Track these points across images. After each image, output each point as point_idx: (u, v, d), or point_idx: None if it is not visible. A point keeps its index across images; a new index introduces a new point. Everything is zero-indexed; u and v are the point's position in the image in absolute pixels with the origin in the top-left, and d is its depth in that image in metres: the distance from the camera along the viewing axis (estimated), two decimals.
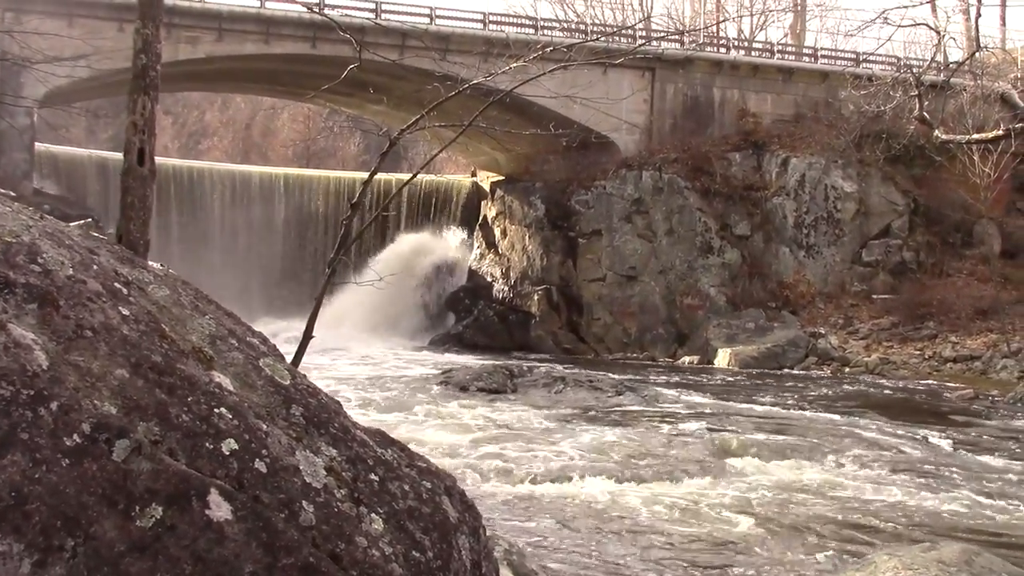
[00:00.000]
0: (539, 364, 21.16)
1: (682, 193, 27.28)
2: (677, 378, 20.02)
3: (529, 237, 28.51)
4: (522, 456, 9.79)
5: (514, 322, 27.84)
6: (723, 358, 23.84)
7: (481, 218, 30.55)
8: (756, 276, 27.11)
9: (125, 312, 2.62)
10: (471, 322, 28.28)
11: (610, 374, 19.37)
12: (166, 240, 26.67)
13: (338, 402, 3.09)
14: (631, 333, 26.65)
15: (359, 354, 23.23)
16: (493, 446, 10.29)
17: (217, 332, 2.94)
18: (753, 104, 29.64)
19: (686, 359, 24.88)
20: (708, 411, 14.30)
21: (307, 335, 6.09)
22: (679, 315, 26.54)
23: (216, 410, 2.45)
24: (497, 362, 18.99)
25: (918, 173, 27.96)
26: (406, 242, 30.10)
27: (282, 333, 21.49)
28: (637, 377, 19.34)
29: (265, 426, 2.57)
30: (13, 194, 18.57)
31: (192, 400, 2.45)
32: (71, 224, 3.80)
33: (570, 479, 8.62)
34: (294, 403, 2.80)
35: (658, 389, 16.99)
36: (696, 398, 16.11)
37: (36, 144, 25.87)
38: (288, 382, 2.90)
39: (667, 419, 13.19)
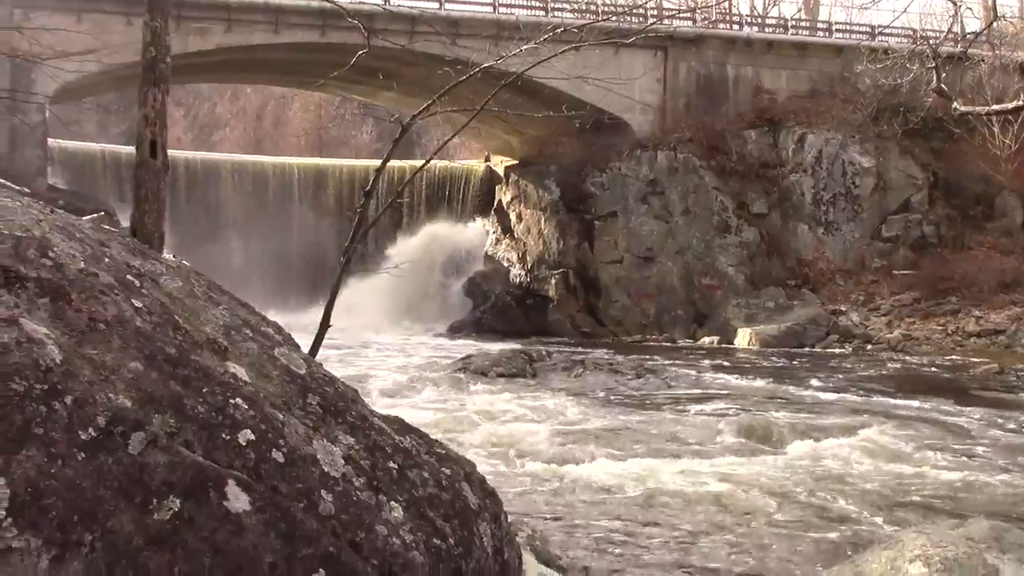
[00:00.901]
0: (558, 348, 21.18)
1: (698, 172, 27.23)
2: (697, 359, 19.93)
3: (545, 221, 28.57)
4: (543, 441, 9.79)
5: (532, 307, 27.93)
6: (743, 338, 23.76)
7: (496, 203, 30.62)
8: (774, 254, 26.99)
9: (138, 304, 2.62)
10: (488, 308, 28.37)
11: (630, 356, 19.38)
12: (179, 232, 26.74)
13: (355, 390, 3.11)
14: (649, 315, 26.70)
15: (376, 342, 23.22)
16: (514, 431, 10.28)
17: (231, 322, 2.94)
18: (768, 81, 29.46)
19: (706, 340, 24.79)
20: (730, 392, 14.26)
21: (324, 325, 6.09)
22: (697, 295, 26.55)
23: (232, 401, 2.46)
24: (516, 347, 19.01)
25: (937, 146, 27.76)
26: (421, 229, 30.23)
27: (298, 324, 21.34)
28: (657, 359, 19.29)
29: (282, 416, 2.57)
30: (27, 190, 18.65)
31: (207, 391, 2.45)
32: (84, 218, 3.80)
33: (593, 463, 8.61)
34: (310, 392, 2.80)
35: (679, 370, 16.95)
36: (718, 379, 16.05)
37: (48, 140, 25.97)
38: (304, 371, 2.91)
39: (689, 400, 13.16)
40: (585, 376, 15.29)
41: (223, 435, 2.36)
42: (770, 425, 10.75)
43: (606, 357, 18.42)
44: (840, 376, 16.78)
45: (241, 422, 2.43)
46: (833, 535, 6.38)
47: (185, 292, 2.94)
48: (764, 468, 8.58)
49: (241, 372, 2.68)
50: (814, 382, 15.72)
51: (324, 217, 31.09)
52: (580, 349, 21.85)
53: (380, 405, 8.72)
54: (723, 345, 23.89)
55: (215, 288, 3.25)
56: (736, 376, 16.42)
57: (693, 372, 16.85)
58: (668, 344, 24.76)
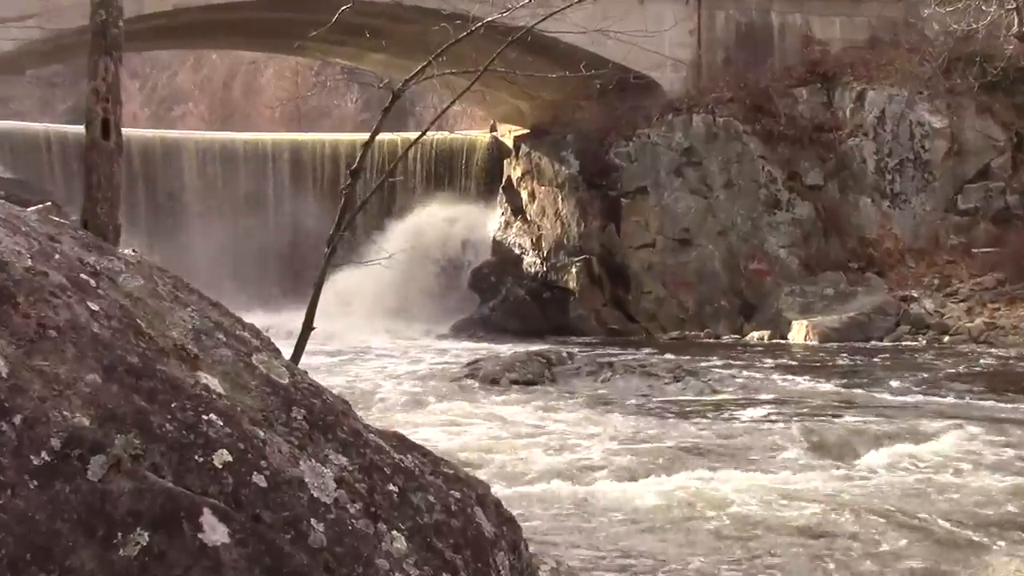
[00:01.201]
0: (581, 349, 21.20)
1: (740, 139, 26.94)
2: (745, 358, 19.93)
3: (562, 199, 28.27)
4: (567, 458, 9.79)
5: (549, 301, 27.74)
6: (798, 332, 23.74)
7: (504, 180, 30.33)
8: (833, 233, 26.91)
9: (94, 307, 2.64)
10: (499, 303, 28.20)
11: (666, 357, 19.42)
12: (137, 224, 26.77)
13: (346, 402, 3.14)
14: (688, 307, 26.51)
15: (368, 345, 23.40)
16: (532, 447, 10.28)
17: (201, 326, 2.97)
18: (819, 29, 29.32)
19: (754, 335, 24.71)
20: (788, 396, 14.25)
21: (307, 327, 6.12)
22: (744, 283, 26.42)
23: (204, 416, 2.46)
24: (532, 349, 18.99)
25: (1020, 102, 27.58)
26: (417, 212, 29.93)
27: (279, 327, 21.25)
28: (698, 359, 19.28)
29: (262, 433, 2.58)
30: None
31: (176, 406, 2.46)
32: (28, 209, 3.83)
33: (626, 482, 8.60)
34: (295, 405, 2.82)
35: (723, 372, 16.97)
36: (771, 380, 16.04)
37: None
38: (287, 381, 2.93)
39: (739, 407, 13.15)
40: (614, 381, 15.33)
41: (196, 456, 2.37)
42: (840, 434, 10.71)
43: (638, 358, 18.43)
44: (915, 374, 16.74)
45: (216, 441, 2.43)
46: (911, 556, 6.37)
47: (147, 292, 2.96)
48: (838, 484, 8.55)
49: (214, 383, 2.70)
50: (886, 382, 15.69)
51: (304, 201, 30.86)
52: (607, 350, 21.87)
53: (376, 419, 8.74)
54: (775, 341, 23.81)
55: (182, 286, 3.29)
56: (793, 377, 16.41)
57: (742, 373, 16.85)
58: (711, 341, 24.70)
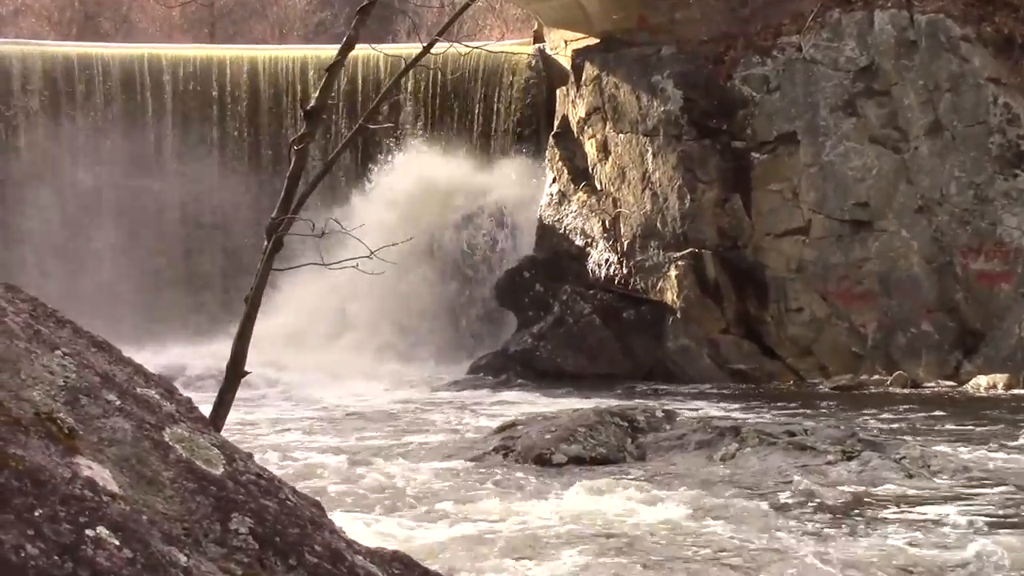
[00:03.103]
0: (686, 402, 15.75)
1: (957, 50, 18.22)
2: (967, 420, 13.92)
3: (654, 155, 19.69)
4: None
5: (631, 323, 19.50)
6: None
7: (558, 123, 21.30)
8: None
9: None
10: (548, 328, 19.69)
11: (828, 419, 13.74)
12: None
13: (316, 502, 2.65)
14: (865, 335, 18.39)
15: (340, 397, 17.16)
16: (606, 571, 7.09)
17: (80, 382, 2.48)
18: None
19: (981, 381, 16.97)
20: None
21: (234, 371, 4.45)
22: (962, 293, 18.24)
23: (89, 532, 1.97)
24: (602, 403, 13.89)
25: None
26: (415, 177, 21.29)
27: (186, 369, 17.57)
28: (885, 421, 13.96)
29: (184, 558, 2.14)
30: None
31: (42, 516, 2.03)
32: None
33: None
34: (236, 511, 2.34)
35: (930, 445, 11.45)
36: (1015, 461, 10.88)
37: None
38: (221, 471, 2.46)
39: (962, 507, 8.79)
40: (743, 461, 10.43)
41: None
42: None
43: (782, 421, 13.01)
44: None
45: (108, 573, 1.96)
46: None
47: None
48: None
49: (104, 475, 2.20)
50: None
51: (229, 158, 22.26)
52: (730, 405, 15.78)
53: (361, 531, 6.83)
54: (1017, 391, 16.51)
55: (45, 315, 2.80)
56: None
57: (964, 451, 11.42)
58: (904, 392, 17.06)
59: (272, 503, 2.38)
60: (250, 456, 2.56)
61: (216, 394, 4.42)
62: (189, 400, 2.63)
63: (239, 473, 2.42)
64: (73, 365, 2.47)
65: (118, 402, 2.43)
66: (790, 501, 9.10)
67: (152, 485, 2.28)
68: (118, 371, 2.59)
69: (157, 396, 2.57)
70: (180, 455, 2.38)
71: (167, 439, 2.40)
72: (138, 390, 2.55)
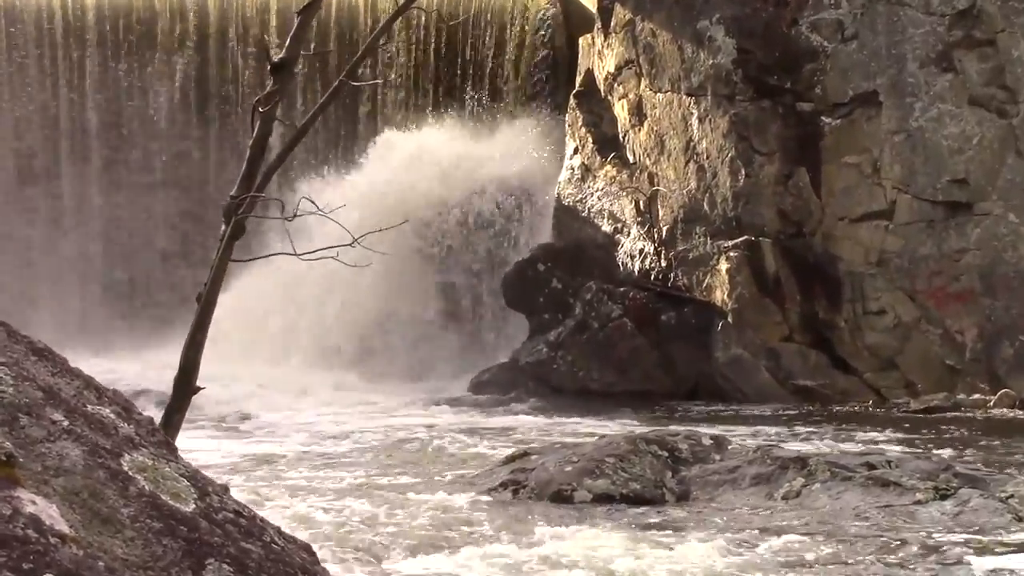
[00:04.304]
0: (738, 427, 13.91)
1: None
2: None
3: (700, 120, 16.93)
4: None
5: (671, 327, 16.98)
6: None
7: (580, 80, 18.41)
8: None
9: None
10: (567, 334, 17.10)
11: (916, 448, 12.12)
12: None
13: (307, 546, 2.46)
14: (963, 344, 15.75)
15: (317, 418, 15.01)
16: None
17: (17, 396, 2.27)
18: None
19: None
20: None
21: (183, 383, 3.95)
22: None
23: None
24: (636, 428, 12.74)
25: None
26: (405, 147, 18.64)
27: (128, 379, 13.52)
28: (990, 450, 12.23)
29: None
30: None
31: None
32: None
33: None
34: (212, 556, 2.14)
35: None
36: None
37: None
38: (192, 507, 2.25)
39: None
40: (810, 499, 9.08)
41: None
42: None
43: (855, 451, 11.30)
44: None
45: None
46: None
47: None
48: None
49: (51, 512, 1.97)
50: None
51: (170, 125, 19.03)
52: (794, 429, 13.95)
53: None
54: None
55: None
56: None
57: None
58: (1011, 415, 14.83)
59: (255, 547, 2.17)
60: (226, 489, 2.33)
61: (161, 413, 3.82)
62: (151, 420, 2.42)
63: (214, 510, 2.22)
64: (10, 377, 2.24)
65: (65, 423, 2.23)
66: (870, 550, 7.80)
67: (109, 524, 2.08)
68: (64, 384, 2.38)
69: (112, 415, 2.35)
70: (142, 487, 2.18)
71: (126, 468, 2.20)
72: (89, 408, 2.33)
